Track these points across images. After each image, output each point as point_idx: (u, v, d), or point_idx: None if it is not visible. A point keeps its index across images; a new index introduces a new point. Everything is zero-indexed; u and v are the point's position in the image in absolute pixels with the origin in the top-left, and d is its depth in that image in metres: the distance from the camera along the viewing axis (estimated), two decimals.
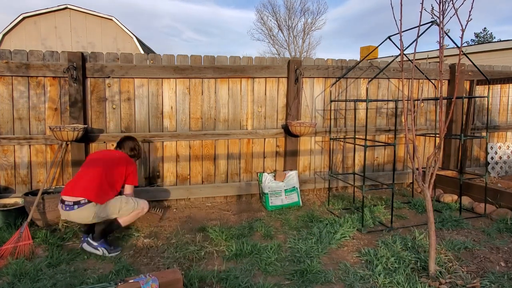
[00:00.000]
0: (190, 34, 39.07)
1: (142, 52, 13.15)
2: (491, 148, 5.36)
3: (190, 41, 38.10)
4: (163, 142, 4.22)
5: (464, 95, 5.10)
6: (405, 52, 2.74)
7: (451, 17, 2.44)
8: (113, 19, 13.50)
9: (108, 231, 3.08)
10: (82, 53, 3.88)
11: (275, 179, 4.29)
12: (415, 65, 4.43)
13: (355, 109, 4.06)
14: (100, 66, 3.94)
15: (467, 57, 3.66)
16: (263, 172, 4.53)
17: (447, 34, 2.80)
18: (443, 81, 5.07)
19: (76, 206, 2.86)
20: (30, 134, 3.88)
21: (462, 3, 2.39)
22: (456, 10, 2.41)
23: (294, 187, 4.31)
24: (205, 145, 4.36)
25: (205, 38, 38.80)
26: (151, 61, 4.10)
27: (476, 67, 4.13)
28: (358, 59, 5.21)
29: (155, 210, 3.85)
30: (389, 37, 3.94)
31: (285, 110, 4.54)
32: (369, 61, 4.87)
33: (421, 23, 2.60)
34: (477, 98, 5.29)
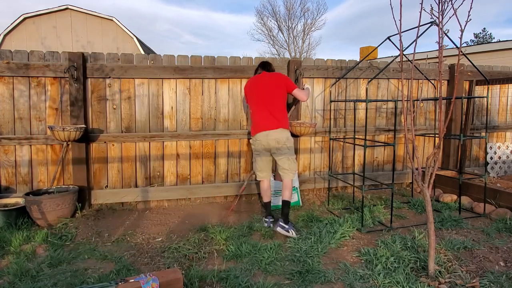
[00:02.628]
0: (189, 37, 39.70)
1: (142, 52, 13.17)
2: (491, 148, 5.37)
3: (189, 44, 38.71)
4: (163, 142, 4.23)
5: (464, 95, 5.11)
6: (404, 53, 2.75)
7: (450, 17, 2.45)
8: (114, 19, 13.52)
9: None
10: (82, 53, 3.89)
11: (275, 179, 4.30)
12: (414, 66, 4.44)
13: (354, 109, 4.07)
14: (100, 66, 3.95)
15: (466, 57, 3.66)
16: None
17: (446, 35, 2.81)
18: (443, 81, 5.09)
19: None
20: (30, 134, 3.89)
21: (462, 3, 2.41)
22: (455, 11, 2.42)
23: (294, 187, 4.32)
24: (205, 145, 4.37)
25: (203, 41, 39.42)
26: (151, 61, 4.11)
27: (476, 67, 4.14)
28: (357, 60, 5.22)
29: None
30: (388, 38, 3.95)
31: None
32: (368, 61, 4.88)
33: (421, 24, 2.61)
34: (476, 98, 5.30)
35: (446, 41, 7.59)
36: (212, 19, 40.20)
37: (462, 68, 5.09)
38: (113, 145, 4.10)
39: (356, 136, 4.27)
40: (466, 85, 5.26)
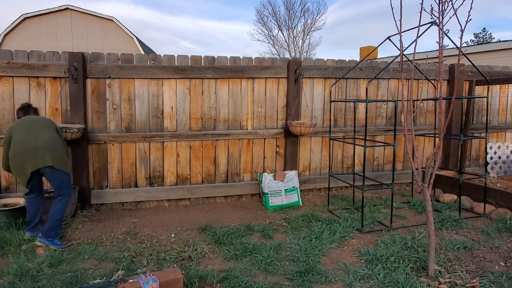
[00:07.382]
0: (185, 43, 40.38)
1: (142, 52, 13.16)
2: (491, 148, 5.37)
3: (186, 49, 39.26)
4: (163, 142, 4.23)
5: (464, 95, 5.11)
6: (404, 53, 2.75)
7: (450, 17, 2.45)
8: (114, 19, 13.51)
9: None
10: (83, 54, 3.89)
11: (275, 179, 4.30)
12: (414, 66, 4.44)
13: (354, 109, 4.07)
14: (100, 67, 3.95)
15: (466, 57, 3.65)
16: (263, 172, 4.54)
17: (446, 35, 2.81)
18: (443, 81, 5.08)
19: None
20: None
21: (462, 3, 2.41)
22: (455, 11, 2.42)
23: (294, 187, 4.32)
24: (205, 145, 4.37)
25: (200, 47, 40.00)
26: (152, 62, 4.11)
27: (476, 67, 4.13)
28: (357, 60, 5.22)
29: None
30: (388, 38, 3.94)
31: (285, 110, 4.55)
32: (368, 61, 4.88)
33: (421, 24, 2.61)
34: (476, 98, 5.30)
35: (446, 41, 7.58)
36: (206, 28, 41.07)
37: (462, 68, 5.09)
38: (113, 145, 4.10)
39: (356, 136, 4.27)
40: (466, 85, 5.25)
